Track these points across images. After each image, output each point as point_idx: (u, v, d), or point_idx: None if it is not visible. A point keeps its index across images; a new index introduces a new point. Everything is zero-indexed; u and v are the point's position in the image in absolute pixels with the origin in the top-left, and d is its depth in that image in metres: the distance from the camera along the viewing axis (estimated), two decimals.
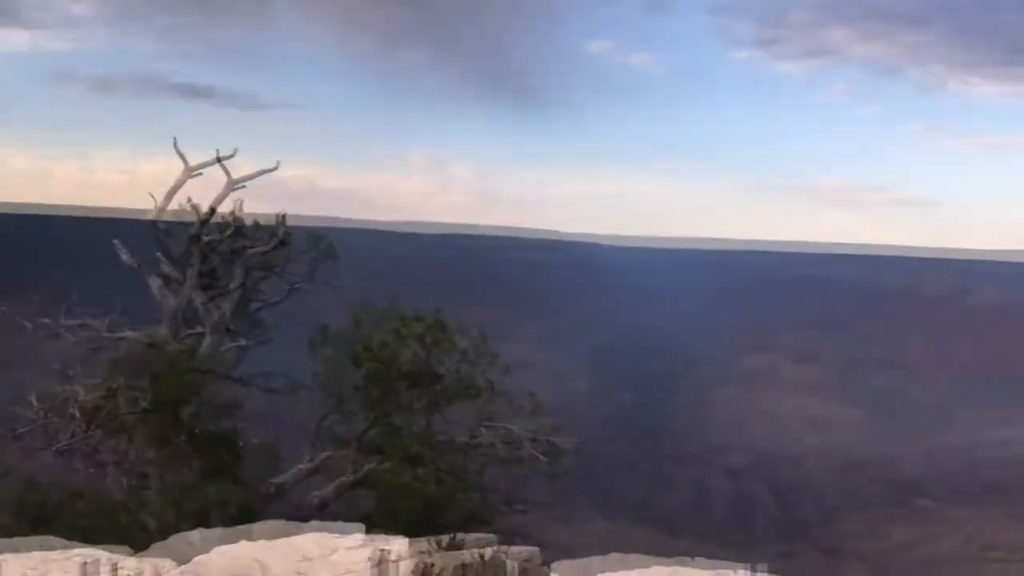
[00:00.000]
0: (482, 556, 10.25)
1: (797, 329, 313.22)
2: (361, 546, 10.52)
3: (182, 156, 19.36)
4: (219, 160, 19.34)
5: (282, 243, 19.37)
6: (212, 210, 18.60)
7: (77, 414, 17.17)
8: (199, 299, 18.84)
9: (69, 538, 14.62)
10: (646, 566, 10.96)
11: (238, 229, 18.94)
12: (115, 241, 19.83)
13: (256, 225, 19.34)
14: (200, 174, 19.48)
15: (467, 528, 16.91)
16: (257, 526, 11.43)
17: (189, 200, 19.23)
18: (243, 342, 19.23)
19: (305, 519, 17.67)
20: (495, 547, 10.67)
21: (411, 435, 17.98)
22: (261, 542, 10.78)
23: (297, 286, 20.25)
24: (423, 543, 10.91)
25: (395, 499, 16.02)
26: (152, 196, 19.22)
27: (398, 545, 11.18)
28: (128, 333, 18.48)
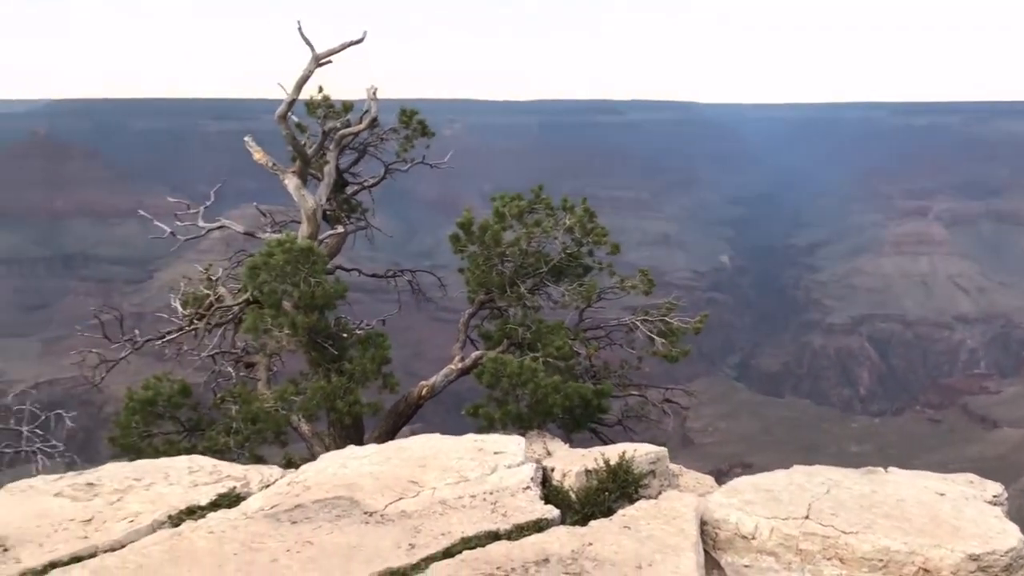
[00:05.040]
0: (607, 460, 9.62)
1: (909, 182, 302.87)
2: (522, 463, 9.90)
3: (308, 43, 17.82)
4: (348, 45, 17.84)
5: (374, 121, 18.19)
6: (298, 90, 17.47)
7: (222, 318, 17.16)
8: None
9: (223, 442, 14.97)
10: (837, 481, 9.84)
11: (329, 109, 17.86)
12: (246, 139, 18.96)
13: (346, 103, 18.16)
14: (330, 62, 17.95)
15: (580, 415, 16.28)
16: (414, 441, 10.90)
17: (320, 90, 18.14)
18: (340, 229, 18.42)
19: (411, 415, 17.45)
20: (621, 450, 9.99)
21: (517, 319, 17.17)
22: (410, 457, 10.31)
23: (392, 165, 19.30)
24: (589, 457, 10.23)
25: (505, 388, 15.30)
26: (281, 86, 17.93)
27: (561, 461, 10.53)
28: (268, 235, 17.95)
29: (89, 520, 8.53)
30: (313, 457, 15.71)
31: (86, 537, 8.15)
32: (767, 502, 9.21)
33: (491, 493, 9.25)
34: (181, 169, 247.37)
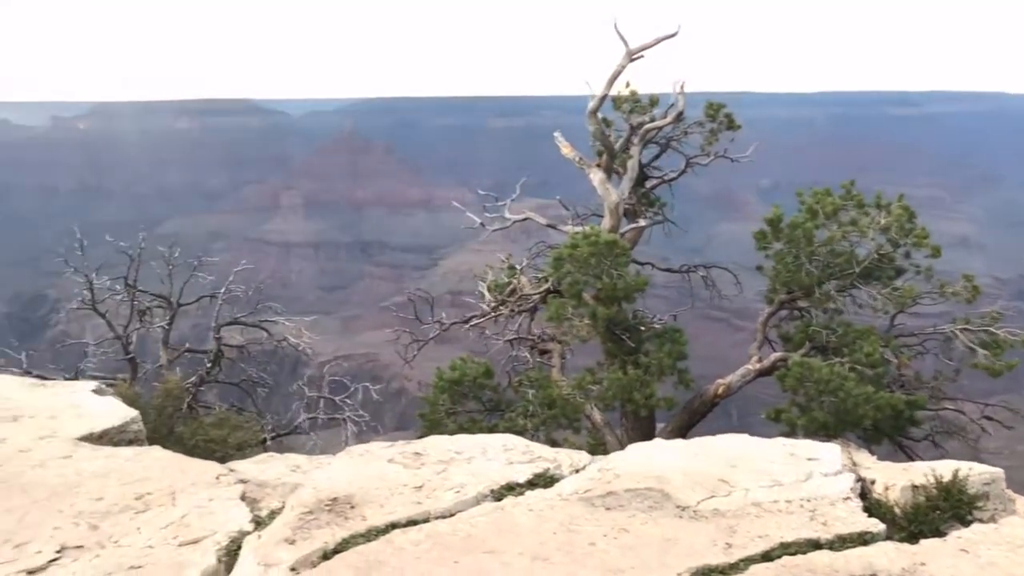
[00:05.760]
0: (938, 477, 8.94)
1: None
2: (839, 473, 9.55)
3: (623, 38, 17.99)
4: (662, 39, 17.99)
5: (680, 115, 18.12)
6: (610, 85, 17.78)
7: (522, 306, 18.06)
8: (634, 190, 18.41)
9: (521, 424, 15.72)
10: None
11: (635, 104, 18.04)
12: (555, 134, 19.59)
13: (652, 98, 18.25)
14: (641, 57, 18.09)
15: (889, 427, 15.26)
16: (722, 440, 10.83)
17: (627, 85, 18.42)
18: (641, 222, 18.54)
19: (706, 412, 17.19)
20: (954, 467, 9.24)
21: (820, 321, 16.42)
22: (718, 455, 10.24)
23: (694, 159, 19.18)
24: (914, 471, 9.66)
25: (810, 394, 14.66)
26: (587, 83, 18.32)
27: (881, 473, 10.03)
28: (570, 228, 18.57)
29: (420, 487, 9.16)
30: (601, 445, 15.99)
31: (419, 503, 8.75)
32: None
33: (808, 500, 8.91)
34: (467, 163, 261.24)
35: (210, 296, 22.28)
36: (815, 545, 8.02)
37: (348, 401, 20.54)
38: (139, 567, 7.53)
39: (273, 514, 8.72)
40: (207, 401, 21.83)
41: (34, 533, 8.07)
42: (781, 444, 10.55)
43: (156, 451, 10.52)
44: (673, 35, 17.52)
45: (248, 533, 8.17)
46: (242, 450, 16.48)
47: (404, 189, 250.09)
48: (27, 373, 18.80)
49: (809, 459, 9.95)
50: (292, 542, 7.86)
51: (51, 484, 9.13)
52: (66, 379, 17.97)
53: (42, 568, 7.56)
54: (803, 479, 9.41)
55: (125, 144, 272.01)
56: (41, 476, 9.33)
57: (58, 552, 7.78)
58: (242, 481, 9.63)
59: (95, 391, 13.65)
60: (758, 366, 16.51)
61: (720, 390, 16.65)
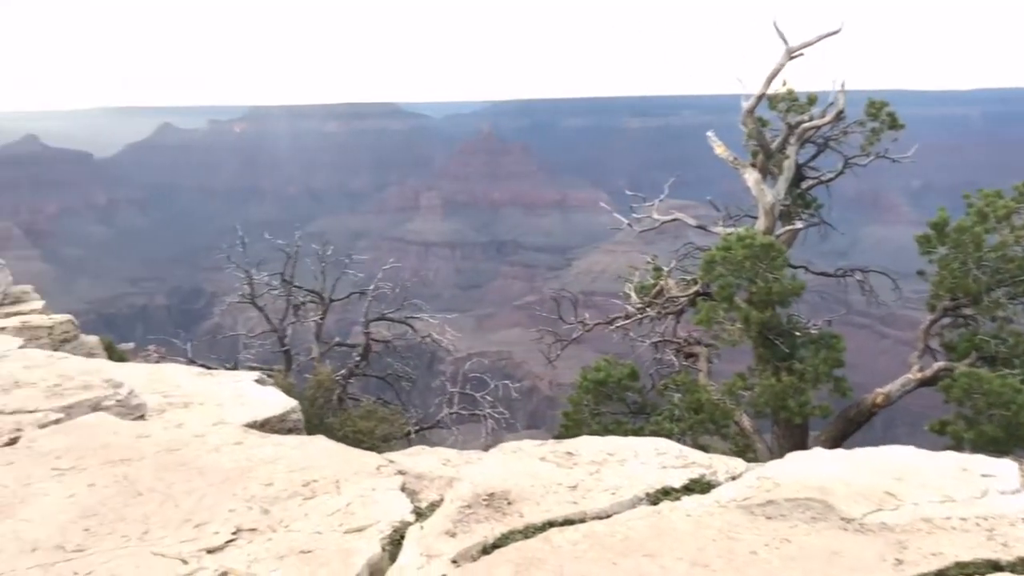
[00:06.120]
0: None
1: None
2: (1018, 491, 9.06)
3: (782, 36, 17.78)
4: (824, 36, 17.58)
5: (840, 114, 17.51)
6: (768, 84, 17.36)
7: (669, 308, 17.89)
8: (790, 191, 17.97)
9: (668, 428, 15.56)
10: None
11: (792, 102, 17.54)
12: (708, 133, 19.34)
13: (811, 96, 17.71)
14: (801, 55, 17.82)
15: None
16: (885, 451, 10.44)
17: (784, 84, 18.10)
18: (797, 224, 18.00)
19: (862, 421, 16.52)
20: None
21: (989, 330, 15.54)
22: (882, 467, 9.81)
23: (852, 159, 18.50)
24: None
25: (979, 407, 13.87)
26: (739, 81, 18.24)
27: None
28: (721, 229, 18.31)
29: (574, 487, 9.15)
30: (749, 451, 15.61)
31: (575, 503, 8.73)
32: None
33: (984, 519, 8.40)
34: (602, 164, 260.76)
35: (359, 292, 23.02)
36: (995, 567, 7.57)
37: (488, 398, 20.82)
38: (309, 551, 7.82)
39: (432, 506, 8.88)
40: (353, 393, 22.53)
41: (211, 514, 8.50)
42: (951, 458, 10.01)
43: (320, 440, 10.89)
44: (836, 32, 16.98)
45: (410, 524, 8.34)
46: (387, 442, 16.89)
47: (539, 190, 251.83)
48: (191, 362, 19.86)
49: (983, 475, 9.37)
50: (453, 535, 7.99)
51: (225, 468, 9.60)
52: (226, 368, 18.88)
53: (220, 548, 7.95)
54: (978, 496, 8.89)
55: (277, 146, 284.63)
56: (216, 460, 9.82)
57: (234, 533, 8.16)
58: (400, 472, 9.85)
59: (257, 381, 14.26)
60: (919, 375, 15.78)
61: (879, 399, 15.99)
